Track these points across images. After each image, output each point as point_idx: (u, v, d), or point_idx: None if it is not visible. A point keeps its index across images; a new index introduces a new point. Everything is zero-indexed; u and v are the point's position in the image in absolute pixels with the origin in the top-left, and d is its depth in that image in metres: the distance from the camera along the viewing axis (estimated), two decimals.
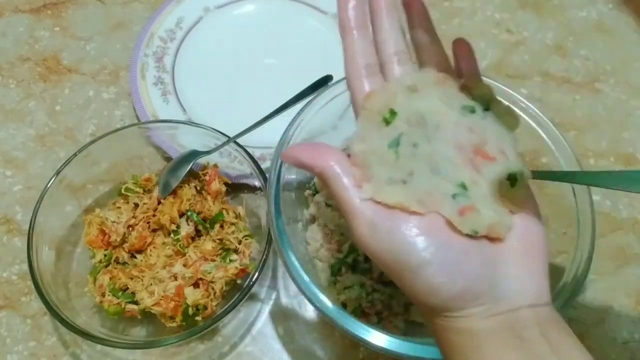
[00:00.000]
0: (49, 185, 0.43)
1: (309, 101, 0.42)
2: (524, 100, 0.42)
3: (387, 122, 0.27)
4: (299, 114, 0.41)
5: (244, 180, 0.47)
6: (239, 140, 0.45)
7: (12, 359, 0.43)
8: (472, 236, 0.25)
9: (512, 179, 0.27)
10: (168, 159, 0.49)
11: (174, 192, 0.45)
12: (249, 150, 0.45)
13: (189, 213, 0.44)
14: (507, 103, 0.30)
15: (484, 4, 0.62)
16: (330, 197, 0.45)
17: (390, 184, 0.26)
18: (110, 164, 0.47)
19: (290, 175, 0.41)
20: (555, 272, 0.38)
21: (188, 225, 0.44)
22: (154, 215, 0.44)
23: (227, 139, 0.45)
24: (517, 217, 0.27)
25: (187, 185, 0.45)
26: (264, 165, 0.48)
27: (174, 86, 0.54)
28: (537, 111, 0.41)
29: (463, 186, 0.26)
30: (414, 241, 0.25)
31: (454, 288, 0.25)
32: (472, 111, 0.28)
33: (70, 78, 0.56)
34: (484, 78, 0.31)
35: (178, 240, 0.43)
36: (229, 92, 0.54)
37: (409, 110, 0.27)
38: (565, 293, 0.36)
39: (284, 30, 0.58)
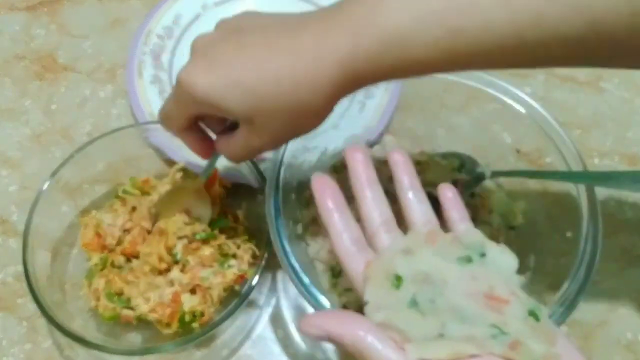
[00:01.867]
0: (45, 187, 0.42)
1: None
2: (528, 99, 0.41)
3: (396, 286, 0.27)
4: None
5: (242, 181, 0.47)
6: None
7: None
8: None
9: (533, 314, 0.27)
10: (167, 160, 0.48)
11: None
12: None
13: (177, 247, 0.41)
14: (500, 245, 0.30)
15: None
16: None
17: (430, 340, 0.25)
18: (108, 164, 0.46)
19: (290, 175, 0.40)
20: (559, 274, 0.38)
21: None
22: (151, 218, 0.43)
23: None
24: (559, 347, 0.26)
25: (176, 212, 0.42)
26: (263, 166, 0.48)
27: (172, 84, 0.53)
28: (541, 110, 0.41)
29: (496, 327, 0.26)
30: None
31: None
32: (469, 260, 0.29)
33: (67, 76, 0.55)
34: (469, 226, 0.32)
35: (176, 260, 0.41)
36: None
37: (412, 271, 0.28)
38: (569, 294, 0.35)
39: None
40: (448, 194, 0.33)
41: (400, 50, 0.26)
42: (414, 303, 0.27)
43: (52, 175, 0.43)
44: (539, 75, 0.56)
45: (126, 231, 0.43)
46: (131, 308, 0.40)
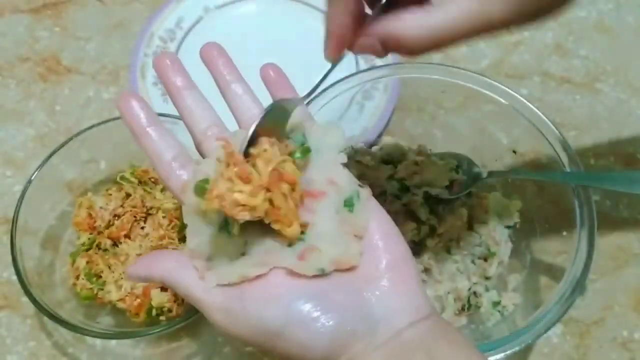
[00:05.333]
0: (42, 169, 0.43)
1: (309, 101, 0.42)
2: (524, 100, 0.42)
3: (200, 183, 0.25)
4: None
5: None
6: None
7: (12, 359, 0.43)
8: (323, 275, 0.24)
9: (349, 204, 0.26)
10: None
11: None
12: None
13: None
14: (324, 122, 0.28)
15: None
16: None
17: (231, 263, 0.25)
18: (105, 153, 0.47)
19: None
20: (555, 273, 0.38)
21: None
22: (143, 207, 0.44)
23: None
24: (371, 238, 0.26)
25: None
26: None
27: None
28: (537, 111, 0.42)
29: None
30: (264, 308, 0.24)
31: (325, 335, 0.23)
32: (291, 154, 0.26)
33: (70, 78, 0.56)
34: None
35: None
36: None
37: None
38: (565, 293, 0.36)
39: (284, 30, 0.58)
40: (270, 72, 0.30)
41: None
42: (224, 224, 0.25)
43: (47, 157, 0.43)
44: (535, 76, 0.57)
45: (116, 216, 0.44)
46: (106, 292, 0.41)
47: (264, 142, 0.25)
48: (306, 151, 0.26)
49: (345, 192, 0.26)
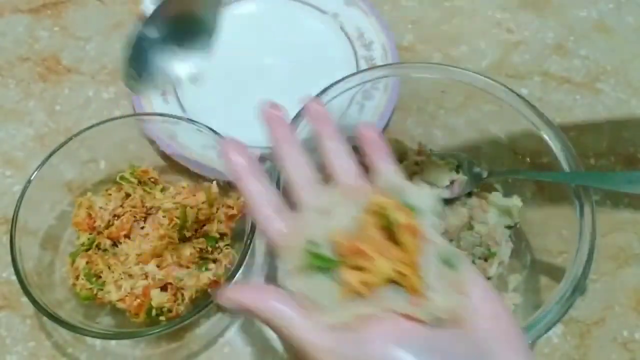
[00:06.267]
0: (41, 169, 0.43)
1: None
2: (524, 100, 0.42)
3: (314, 256, 0.25)
4: (298, 113, 0.41)
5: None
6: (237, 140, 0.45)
7: (12, 359, 0.43)
8: (437, 325, 0.24)
9: (449, 262, 0.26)
10: (163, 154, 0.49)
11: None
12: (250, 150, 0.45)
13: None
14: (419, 185, 0.29)
15: (485, 3, 0.62)
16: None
17: (340, 305, 0.24)
18: (105, 153, 0.47)
19: None
20: (555, 273, 0.38)
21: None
22: (143, 207, 0.44)
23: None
24: (474, 298, 0.25)
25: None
26: (264, 166, 0.48)
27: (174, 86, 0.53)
28: (537, 111, 0.41)
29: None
30: (388, 352, 0.22)
31: None
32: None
33: (70, 78, 0.56)
34: (391, 169, 0.30)
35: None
36: (228, 92, 0.54)
37: (327, 233, 0.26)
38: (566, 293, 0.35)
39: (284, 30, 0.58)
40: (368, 133, 0.30)
41: None
42: (327, 270, 0.25)
43: (47, 157, 0.43)
44: (536, 76, 0.57)
45: (116, 216, 0.44)
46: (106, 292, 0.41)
47: (388, 194, 0.26)
48: (412, 210, 0.26)
49: (443, 251, 0.26)
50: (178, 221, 0.43)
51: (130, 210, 0.44)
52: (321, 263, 0.25)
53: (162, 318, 0.40)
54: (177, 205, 0.44)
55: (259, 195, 0.28)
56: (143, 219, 0.44)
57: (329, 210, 0.27)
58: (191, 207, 0.43)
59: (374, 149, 0.30)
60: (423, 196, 0.28)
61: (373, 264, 0.24)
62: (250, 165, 0.29)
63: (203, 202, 0.44)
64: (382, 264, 0.24)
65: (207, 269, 0.42)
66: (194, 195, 0.44)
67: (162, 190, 0.46)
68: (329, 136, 0.30)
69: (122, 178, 0.46)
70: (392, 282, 0.24)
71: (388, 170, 0.29)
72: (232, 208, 0.44)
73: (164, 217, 0.43)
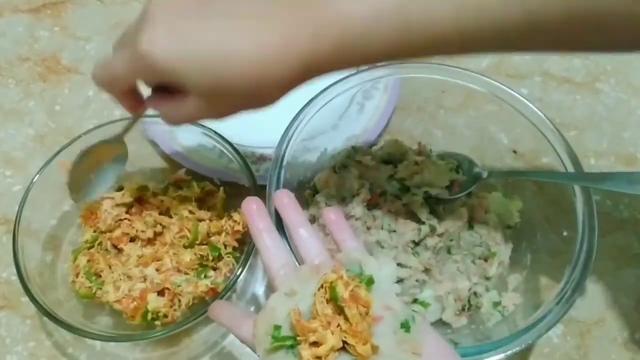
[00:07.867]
0: (44, 170, 0.43)
1: (309, 101, 0.42)
2: (524, 100, 0.42)
3: (276, 339, 0.28)
4: (298, 114, 0.41)
5: (232, 180, 0.46)
6: (235, 142, 0.45)
7: (12, 359, 0.43)
8: None
9: (405, 326, 0.28)
10: (164, 154, 0.49)
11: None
12: (249, 150, 0.45)
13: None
14: (379, 257, 0.33)
15: None
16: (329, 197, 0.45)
17: None
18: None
19: (291, 175, 0.41)
20: (555, 273, 0.38)
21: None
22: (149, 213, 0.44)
23: (221, 139, 0.45)
24: (426, 355, 0.28)
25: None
26: (264, 166, 0.48)
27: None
28: (538, 111, 0.42)
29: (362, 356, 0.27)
30: None
31: None
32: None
33: (70, 78, 0.56)
34: (352, 246, 0.33)
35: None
36: None
37: (290, 314, 0.28)
38: (566, 293, 0.36)
39: None
40: (331, 216, 0.34)
41: (360, 41, 0.28)
42: (291, 347, 0.28)
43: (49, 161, 0.43)
44: (536, 76, 0.57)
45: (120, 221, 0.43)
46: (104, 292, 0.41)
47: (338, 270, 0.29)
48: (370, 282, 0.30)
49: (400, 316, 0.29)
50: (188, 234, 0.42)
51: (134, 216, 0.43)
52: (283, 342, 0.28)
53: (157, 323, 0.40)
54: (189, 217, 0.43)
55: (270, 252, 0.33)
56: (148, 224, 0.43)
57: (295, 291, 0.30)
58: (202, 220, 0.43)
59: (336, 229, 0.34)
60: (381, 267, 0.31)
61: (324, 337, 0.27)
62: (265, 224, 0.33)
63: (212, 216, 0.44)
64: (330, 337, 0.27)
65: (206, 277, 0.41)
66: (205, 204, 0.45)
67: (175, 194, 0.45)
68: (296, 224, 0.34)
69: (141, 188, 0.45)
70: (345, 350, 0.27)
71: (350, 246, 0.33)
72: (238, 223, 0.43)
73: (170, 224, 0.43)
